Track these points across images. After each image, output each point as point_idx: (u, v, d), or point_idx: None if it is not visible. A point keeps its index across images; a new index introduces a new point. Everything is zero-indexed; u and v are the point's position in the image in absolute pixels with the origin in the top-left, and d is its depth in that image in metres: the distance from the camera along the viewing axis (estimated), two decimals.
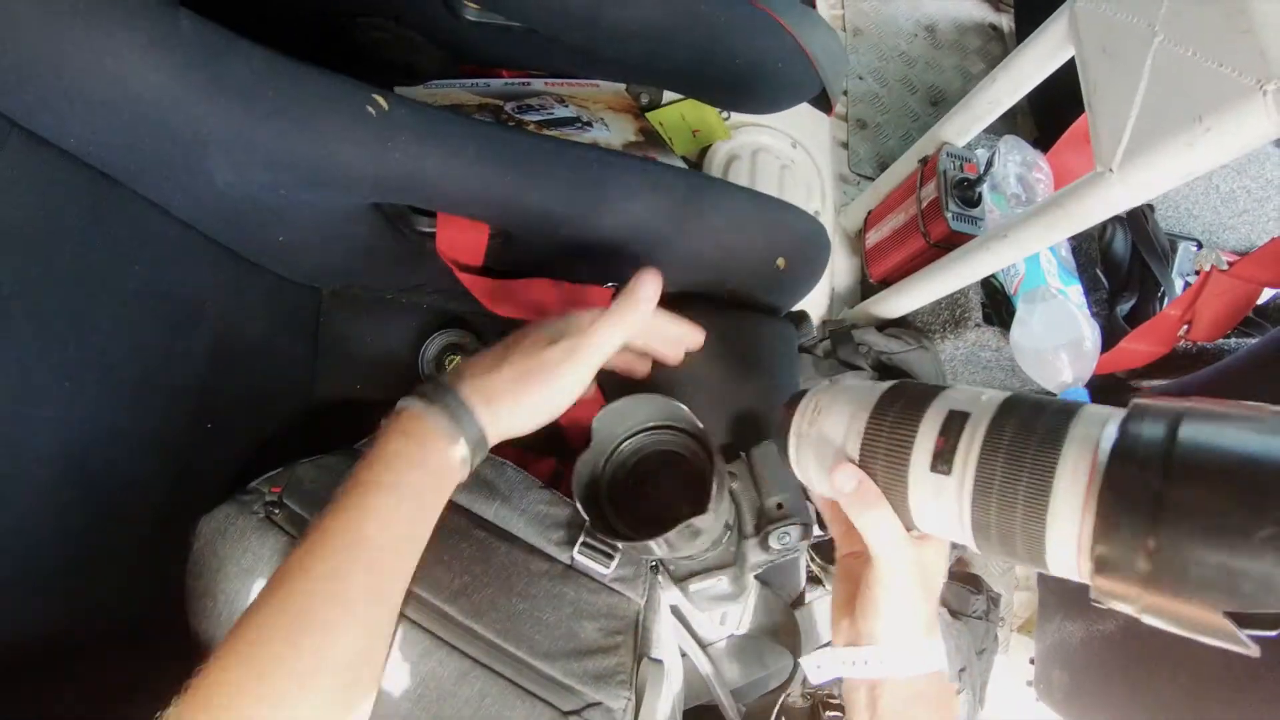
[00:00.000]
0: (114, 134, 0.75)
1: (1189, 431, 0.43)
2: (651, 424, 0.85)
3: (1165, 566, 0.41)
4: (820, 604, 1.08)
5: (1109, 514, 0.44)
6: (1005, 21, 2.41)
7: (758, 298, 1.13)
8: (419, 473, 0.69)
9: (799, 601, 1.08)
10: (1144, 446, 0.44)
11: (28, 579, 0.72)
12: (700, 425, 0.82)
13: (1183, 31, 0.93)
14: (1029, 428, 0.51)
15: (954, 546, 0.81)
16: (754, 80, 1.20)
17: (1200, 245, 1.91)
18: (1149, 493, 0.42)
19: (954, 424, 0.55)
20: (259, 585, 0.80)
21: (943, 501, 0.55)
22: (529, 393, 0.74)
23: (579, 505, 0.80)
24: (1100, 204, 1.06)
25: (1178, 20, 0.95)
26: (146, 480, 0.85)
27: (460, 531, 0.84)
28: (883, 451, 0.59)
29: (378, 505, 0.66)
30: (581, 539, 0.87)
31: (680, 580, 0.89)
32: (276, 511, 0.83)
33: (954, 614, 1.53)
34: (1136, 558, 0.42)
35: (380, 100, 0.83)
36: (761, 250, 1.06)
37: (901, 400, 0.60)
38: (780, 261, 1.07)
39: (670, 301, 1.08)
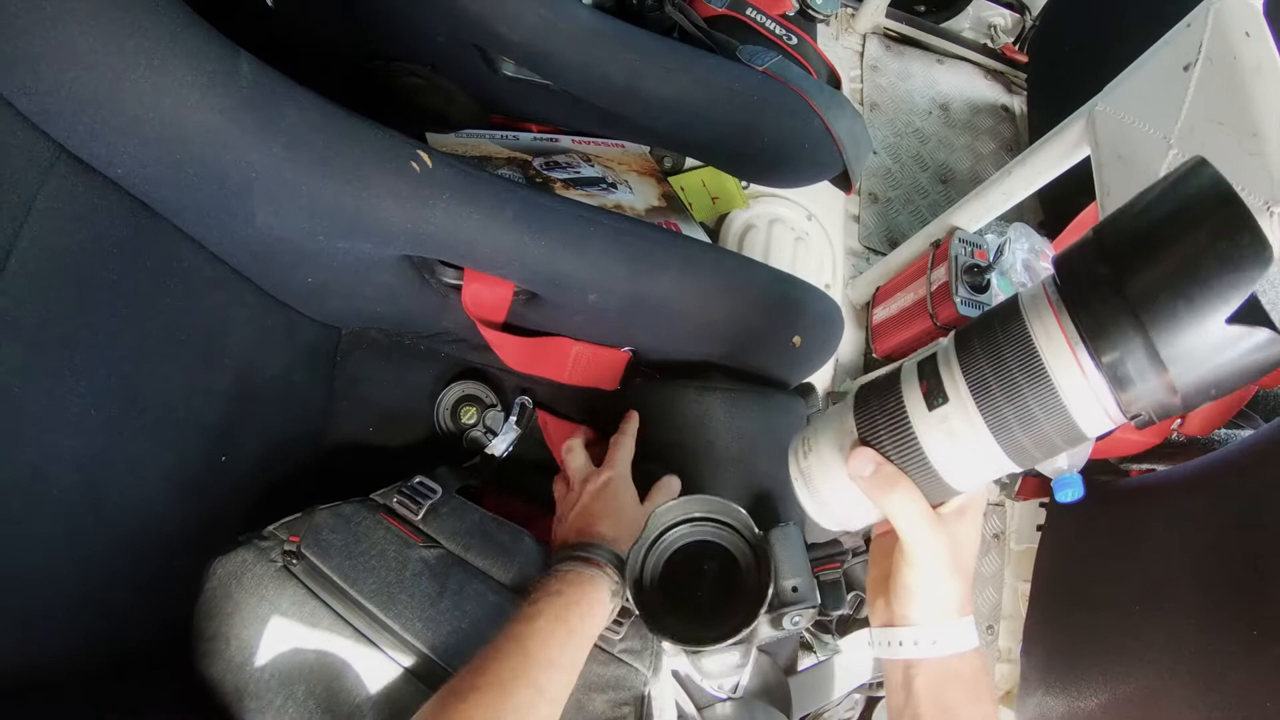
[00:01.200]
0: (162, 168, 0.75)
1: (1106, 227, 0.47)
2: (699, 515, 0.85)
3: (1157, 320, 0.43)
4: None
5: (1092, 325, 0.46)
6: (1017, 104, 2.45)
7: (771, 372, 1.14)
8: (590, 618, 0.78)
9: (792, 669, 1.09)
10: (1077, 260, 0.48)
11: (38, 604, 0.71)
12: (758, 532, 0.82)
13: (1197, 147, 0.94)
14: (988, 325, 0.52)
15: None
16: (780, 158, 1.22)
17: None
18: (1106, 285, 0.45)
19: (926, 366, 0.56)
20: (273, 633, 0.80)
21: (958, 437, 0.53)
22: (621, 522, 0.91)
23: (631, 600, 0.80)
24: None
25: (1192, 136, 0.96)
26: (160, 513, 0.85)
27: (478, 597, 0.86)
28: (883, 427, 0.57)
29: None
30: None
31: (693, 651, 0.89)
32: (295, 562, 0.83)
33: None
34: (1133, 338, 0.44)
35: (425, 157, 0.84)
36: (780, 328, 1.07)
37: (872, 387, 0.60)
38: (796, 340, 1.08)
39: (686, 370, 1.10)
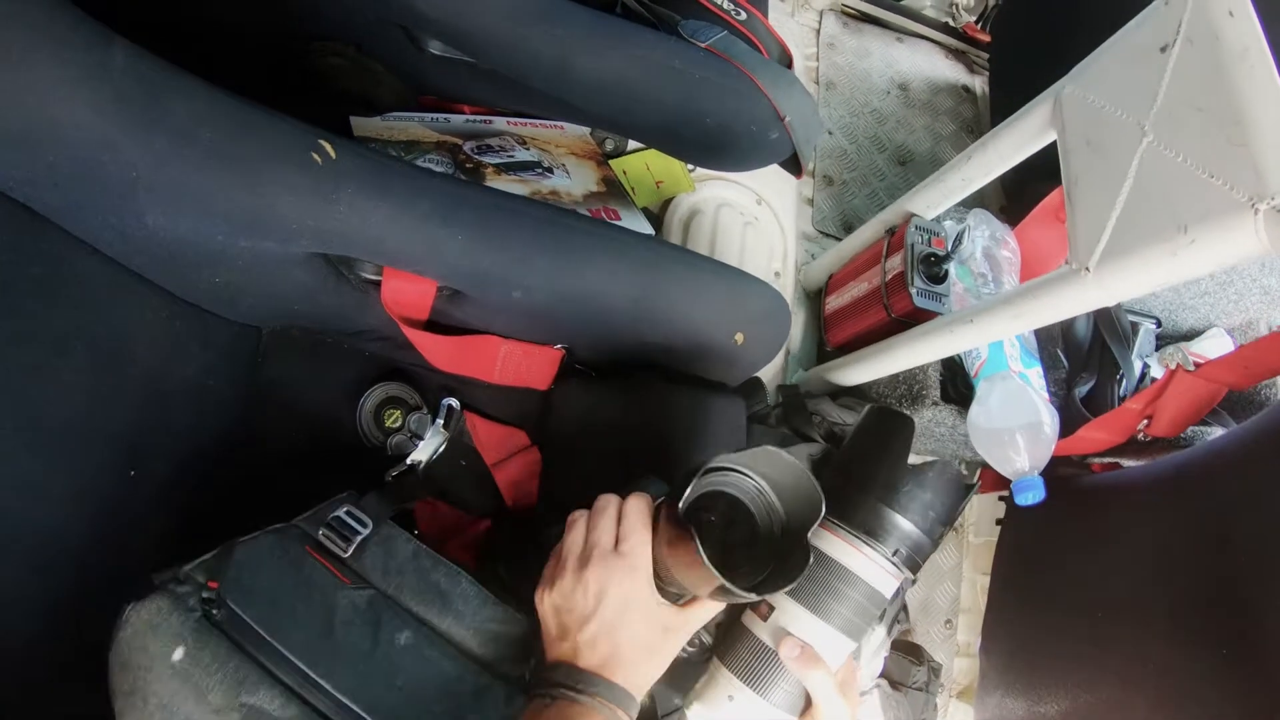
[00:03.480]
0: (36, 171, 0.70)
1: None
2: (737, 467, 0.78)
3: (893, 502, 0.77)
4: None
5: (860, 524, 0.78)
6: (978, 84, 2.42)
7: (711, 371, 1.09)
8: None
9: None
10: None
11: None
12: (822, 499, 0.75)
13: (1174, 136, 0.90)
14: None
15: (896, 622, 1.00)
16: (725, 140, 1.17)
17: (1159, 324, 1.90)
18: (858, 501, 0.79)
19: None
20: (195, 692, 0.74)
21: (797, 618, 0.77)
22: (633, 645, 0.76)
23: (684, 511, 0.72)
24: (1072, 302, 1.03)
25: (1170, 123, 0.91)
26: (66, 533, 0.80)
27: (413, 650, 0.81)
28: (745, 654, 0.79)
29: None
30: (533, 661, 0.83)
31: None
32: (215, 611, 0.78)
33: (894, 685, 1.51)
34: (884, 514, 0.78)
35: (327, 147, 0.78)
36: (720, 325, 1.02)
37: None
38: (739, 337, 1.03)
39: (622, 369, 1.05)
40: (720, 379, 1.12)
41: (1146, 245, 0.89)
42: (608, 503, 0.80)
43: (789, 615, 0.76)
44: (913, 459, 0.80)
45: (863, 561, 0.75)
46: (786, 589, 0.69)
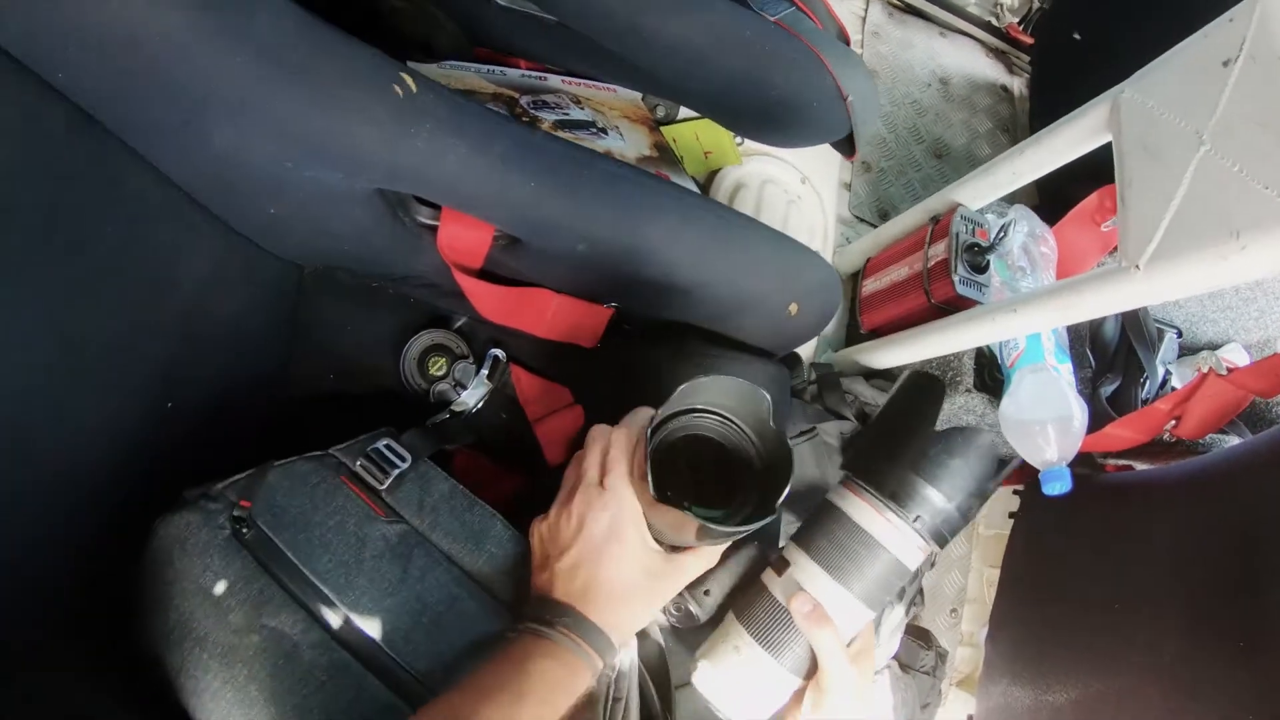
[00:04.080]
0: (108, 77, 0.66)
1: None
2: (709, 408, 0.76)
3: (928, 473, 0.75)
4: None
5: (892, 493, 0.75)
6: (1017, 85, 2.39)
7: (762, 339, 1.06)
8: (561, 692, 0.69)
9: None
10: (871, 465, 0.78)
11: None
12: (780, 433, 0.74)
13: (1231, 146, 0.90)
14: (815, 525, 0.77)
15: (914, 604, 1.01)
16: (785, 115, 1.14)
17: (1180, 334, 1.90)
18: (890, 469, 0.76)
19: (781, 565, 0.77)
20: (216, 609, 0.72)
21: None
22: (610, 580, 0.74)
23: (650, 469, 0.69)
24: (1120, 298, 1.04)
25: (1227, 134, 0.92)
26: (96, 466, 0.76)
27: (441, 588, 0.78)
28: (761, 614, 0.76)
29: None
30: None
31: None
32: (245, 530, 0.75)
33: (904, 667, 1.52)
34: (916, 484, 0.75)
35: (409, 80, 0.75)
36: (777, 294, 0.99)
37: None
38: (793, 307, 1.01)
39: (671, 333, 1.02)
40: (766, 348, 1.09)
41: (1198, 248, 0.91)
42: (599, 434, 0.78)
43: (807, 574, 0.74)
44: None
45: (887, 529, 0.73)
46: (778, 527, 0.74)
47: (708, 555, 0.77)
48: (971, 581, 1.85)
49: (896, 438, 0.76)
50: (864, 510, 0.73)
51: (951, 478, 0.73)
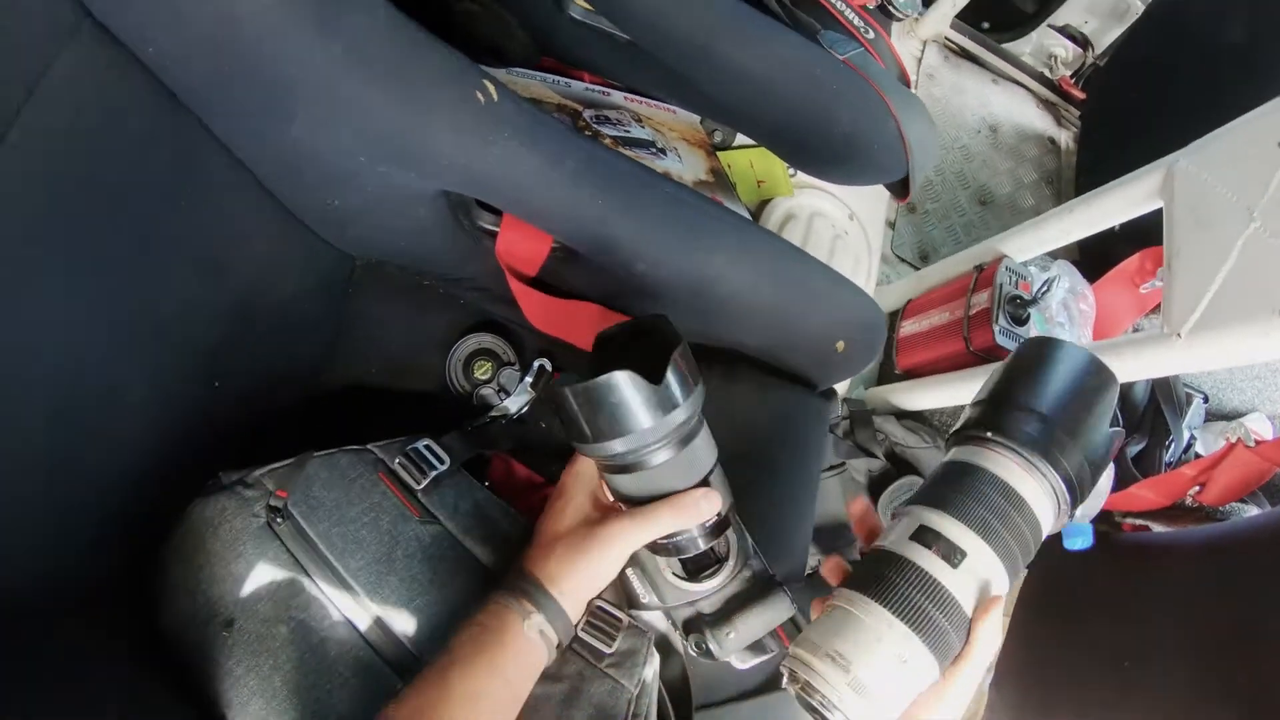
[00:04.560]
0: (199, 55, 0.66)
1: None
2: None
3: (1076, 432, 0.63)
4: None
5: (1044, 452, 0.62)
6: (1064, 138, 2.37)
7: (805, 372, 1.05)
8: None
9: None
10: (1015, 419, 0.64)
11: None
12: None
13: None
14: (956, 486, 0.63)
15: None
16: (845, 153, 1.13)
17: (1207, 399, 1.89)
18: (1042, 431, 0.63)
19: (927, 535, 0.61)
20: (245, 597, 0.71)
21: (979, 577, 0.60)
22: (545, 529, 0.75)
23: None
24: (1159, 364, 1.04)
25: (1278, 213, 0.92)
26: (139, 440, 0.75)
27: (469, 594, 0.78)
28: (924, 600, 0.59)
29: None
30: (586, 617, 0.79)
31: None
32: (280, 521, 0.74)
33: None
34: (1071, 447, 0.63)
35: (490, 87, 0.74)
36: (826, 330, 0.98)
37: (878, 582, 0.61)
38: (840, 344, 1.00)
39: (721, 356, 1.01)
40: (811, 380, 1.08)
41: (1240, 322, 0.92)
42: None
43: (980, 561, 0.60)
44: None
45: (1033, 486, 0.61)
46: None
47: (669, 509, 0.71)
48: None
49: (1028, 390, 0.64)
50: (1007, 465, 0.62)
51: (1089, 432, 0.63)
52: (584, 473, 0.77)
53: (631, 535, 0.71)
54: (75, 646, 0.67)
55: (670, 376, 0.65)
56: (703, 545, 0.74)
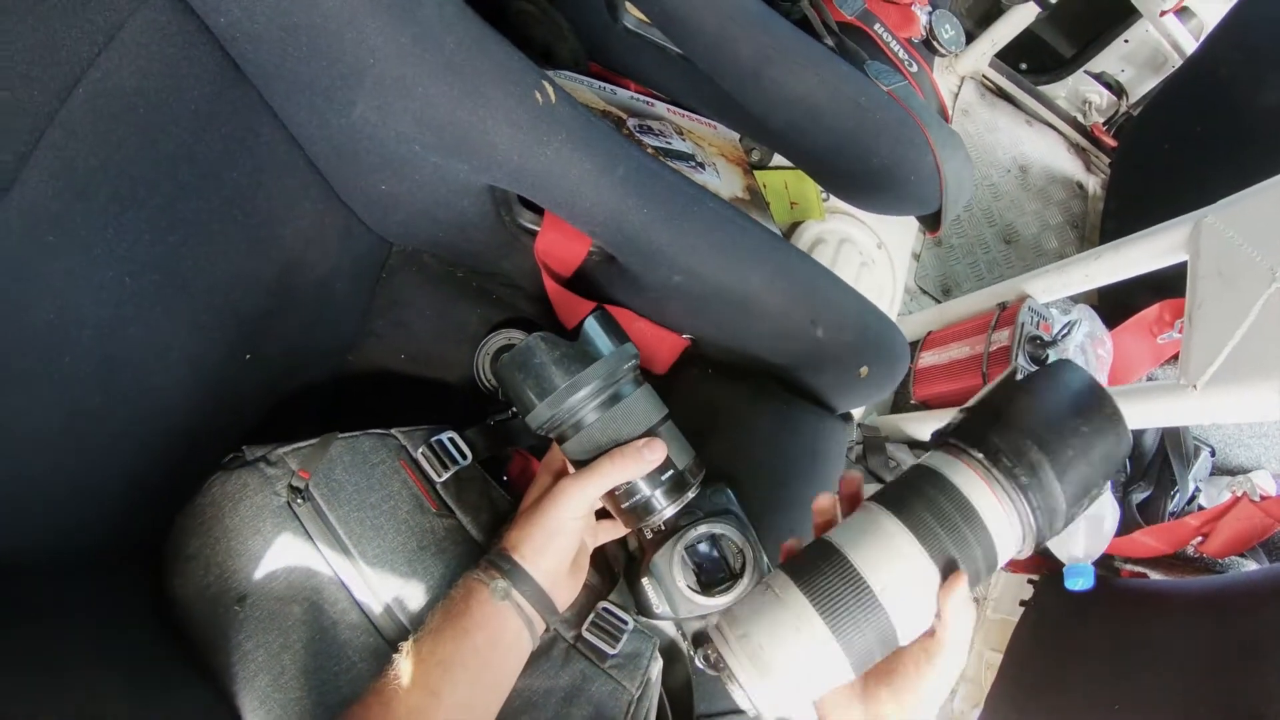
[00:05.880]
0: (272, 29, 0.65)
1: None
2: None
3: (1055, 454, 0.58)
4: None
5: (1009, 467, 0.58)
6: (1092, 184, 2.37)
7: (827, 395, 1.05)
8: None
9: None
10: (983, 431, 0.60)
11: (22, 479, 0.62)
12: None
13: None
14: (911, 486, 0.61)
15: None
16: (882, 183, 1.13)
17: (1214, 453, 1.89)
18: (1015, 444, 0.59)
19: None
20: (260, 574, 0.71)
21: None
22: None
23: None
24: (1172, 413, 1.05)
25: None
26: (172, 404, 0.75)
27: None
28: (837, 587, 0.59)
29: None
30: (592, 618, 0.80)
31: None
32: (300, 502, 0.74)
33: None
34: (1041, 464, 0.58)
35: (549, 88, 0.74)
36: (853, 355, 0.98)
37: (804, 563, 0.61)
38: (863, 370, 1.00)
39: (750, 373, 1.01)
40: (831, 403, 1.08)
41: (1256, 378, 0.93)
42: None
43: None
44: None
45: (994, 507, 0.58)
46: None
47: (608, 458, 0.72)
48: (970, 661, 1.82)
49: (1018, 407, 0.59)
50: (970, 479, 0.58)
51: (1074, 465, 0.58)
52: (553, 458, 0.79)
53: (576, 489, 0.71)
54: (87, 605, 0.67)
55: (586, 332, 0.71)
56: (665, 503, 0.74)
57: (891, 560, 0.58)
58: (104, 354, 0.65)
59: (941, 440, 0.63)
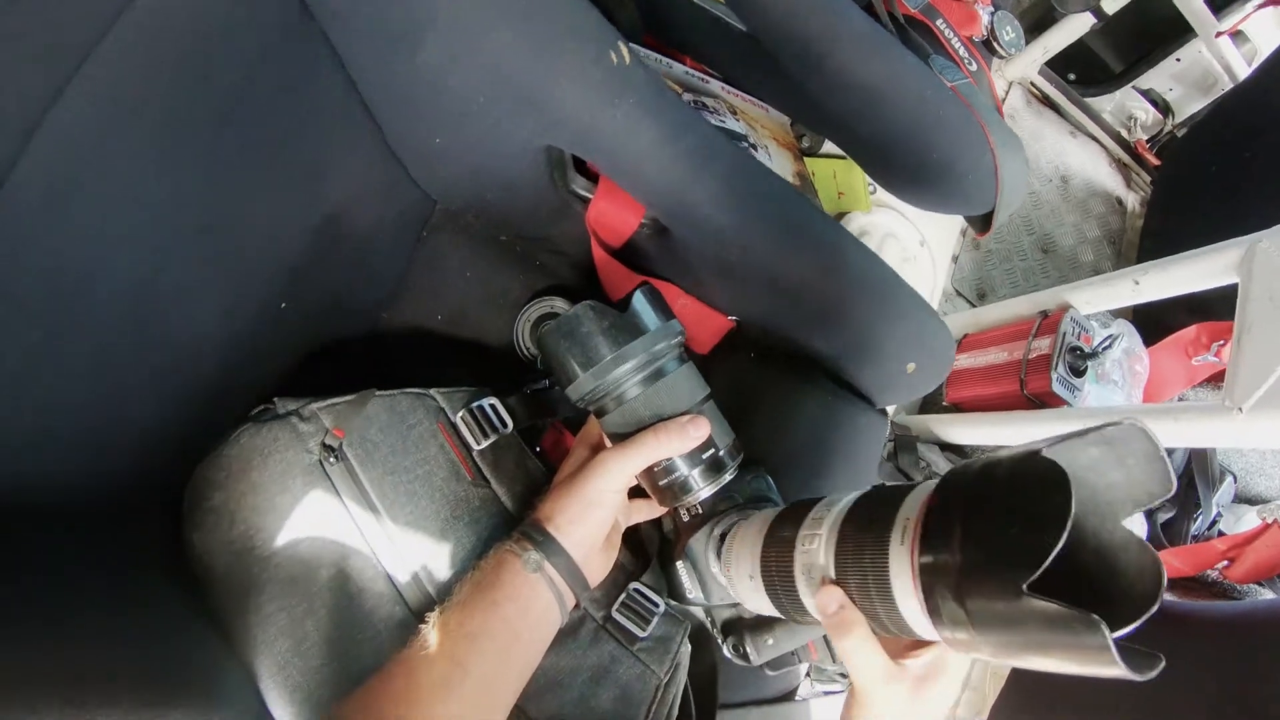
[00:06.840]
0: None
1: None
2: None
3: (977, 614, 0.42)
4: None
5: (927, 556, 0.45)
6: (1132, 200, 2.33)
7: (870, 389, 1.02)
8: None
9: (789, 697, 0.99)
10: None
11: (49, 420, 0.59)
12: None
13: None
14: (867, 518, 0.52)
15: None
16: (937, 179, 1.09)
17: (1236, 479, 1.87)
18: (953, 540, 0.43)
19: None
20: (287, 533, 0.68)
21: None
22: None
23: None
24: (1215, 434, 1.04)
25: None
26: (203, 351, 0.72)
27: None
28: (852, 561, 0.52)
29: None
30: (622, 599, 0.78)
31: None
32: (333, 461, 0.71)
33: None
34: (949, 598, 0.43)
35: (624, 49, 0.71)
36: (902, 351, 0.95)
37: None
38: (910, 366, 0.97)
39: (797, 362, 0.98)
40: (873, 397, 1.05)
41: None
42: None
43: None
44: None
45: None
46: None
47: (652, 433, 0.69)
48: (975, 669, 1.80)
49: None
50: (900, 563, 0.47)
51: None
52: (589, 431, 0.78)
53: (616, 461, 0.69)
54: (103, 553, 0.64)
55: (635, 305, 0.68)
56: (702, 483, 0.72)
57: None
58: (136, 298, 0.62)
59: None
